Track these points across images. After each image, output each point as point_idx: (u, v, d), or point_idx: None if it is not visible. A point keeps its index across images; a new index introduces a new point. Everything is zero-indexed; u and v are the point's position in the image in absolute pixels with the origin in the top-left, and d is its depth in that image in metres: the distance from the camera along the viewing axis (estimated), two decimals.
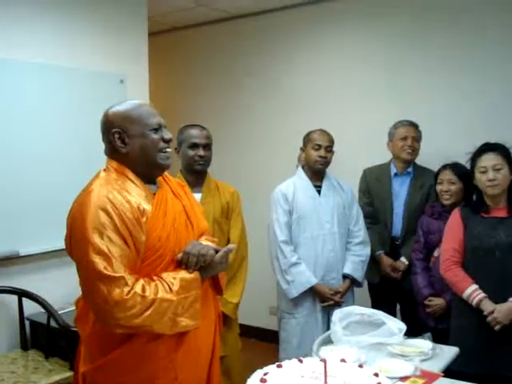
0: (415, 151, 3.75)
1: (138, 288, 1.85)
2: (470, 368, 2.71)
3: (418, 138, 3.75)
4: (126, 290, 1.83)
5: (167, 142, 2.09)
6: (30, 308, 3.53)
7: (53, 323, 3.30)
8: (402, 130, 3.74)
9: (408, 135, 3.71)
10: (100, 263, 1.82)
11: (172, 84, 5.73)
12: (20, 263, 3.60)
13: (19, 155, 3.58)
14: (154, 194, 2.07)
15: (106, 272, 1.82)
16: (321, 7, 4.65)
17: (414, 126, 3.76)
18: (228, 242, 3.16)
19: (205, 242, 2.18)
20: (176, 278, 1.96)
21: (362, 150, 4.36)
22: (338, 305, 3.44)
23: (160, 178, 2.17)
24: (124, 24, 4.27)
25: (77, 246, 1.89)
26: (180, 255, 2.02)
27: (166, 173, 2.23)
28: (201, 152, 3.08)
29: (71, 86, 3.87)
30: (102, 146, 2.09)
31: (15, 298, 3.48)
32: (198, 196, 3.10)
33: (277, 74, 4.98)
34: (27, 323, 3.57)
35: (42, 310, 3.39)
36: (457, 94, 4.06)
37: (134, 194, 1.97)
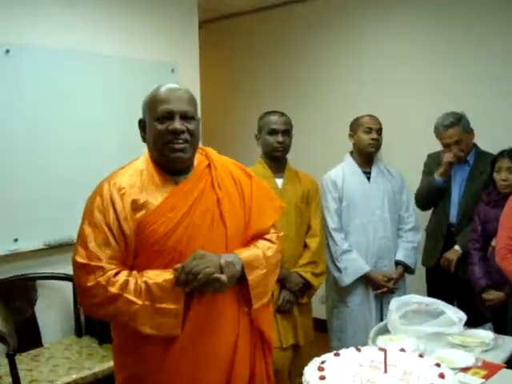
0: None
1: (103, 279, 1.78)
2: None
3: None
4: (92, 277, 1.78)
5: (173, 133, 1.87)
6: None
7: None
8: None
9: None
10: (79, 248, 1.83)
11: (222, 73, 5.71)
12: None
13: (76, 144, 3.67)
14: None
15: (78, 259, 1.82)
16: None
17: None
18: (308, 229, 3.20)
19: (249, 248, 1.98)
20: (156, 281, 1.79)
21: (416, 138, 4.27)
22: (392, 292, 3.42)
23: (201, 166, 2.00)
24: (174, 12, 4.28)
25: None
26: (177, 265, 1.81)
27: (214, 158, 2.04)
28: (279, 138, 3.08)
29: (123, 75, 3.91)
30: None
31: (70, 284, 3.53)
32: (279, 181, 3.14)
33: (326, 61, 4.92)
34: (81, 310, 3.62)
35: None
36: None
37: (140, 185, 1.89)
